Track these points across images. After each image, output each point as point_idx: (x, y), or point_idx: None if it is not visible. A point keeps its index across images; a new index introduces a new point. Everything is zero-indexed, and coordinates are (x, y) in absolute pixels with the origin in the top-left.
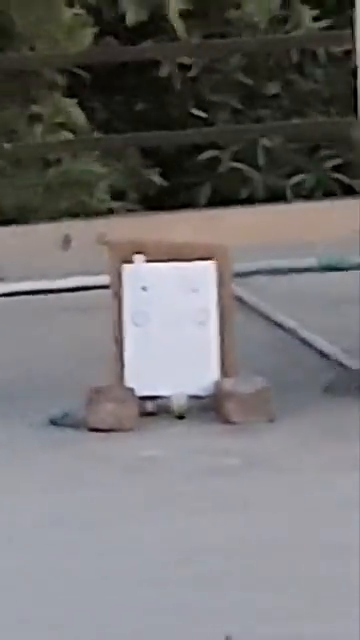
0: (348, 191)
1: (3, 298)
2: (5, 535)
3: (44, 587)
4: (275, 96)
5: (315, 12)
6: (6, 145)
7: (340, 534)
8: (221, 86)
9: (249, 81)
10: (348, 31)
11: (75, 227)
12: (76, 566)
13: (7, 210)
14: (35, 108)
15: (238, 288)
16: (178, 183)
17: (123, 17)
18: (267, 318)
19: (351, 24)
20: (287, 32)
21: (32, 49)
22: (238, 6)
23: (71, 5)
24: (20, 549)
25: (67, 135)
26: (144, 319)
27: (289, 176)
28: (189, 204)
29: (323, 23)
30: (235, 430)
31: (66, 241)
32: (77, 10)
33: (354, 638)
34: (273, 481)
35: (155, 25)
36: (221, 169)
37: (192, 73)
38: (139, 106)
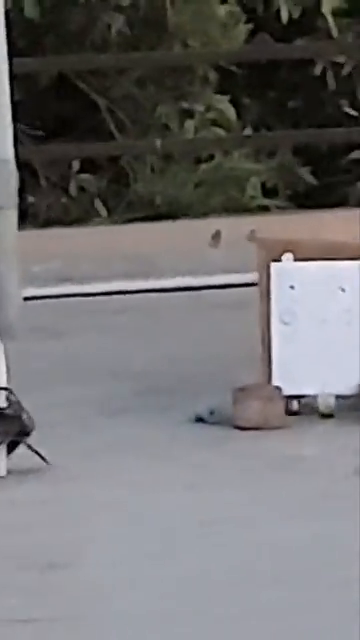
0: None
1: (153, 294)
2: (154, 535)
3: (197, 584)
4: None
5: None
6: (157, 141)
7: None
8: None
9: None
10: None
11: (225, 224)
12: (229, 565)
13: (158, 206)
14: (187, 104)
15: None
16: (329, 182)
17: (277, 14)
18: None
19: None
20: None
21: (185, 46)
22: None
23: (225, 2)
24: (170, 549)
25: (219, 132)
26: (292, 317)
27: None
28: (340, 203)
29: None
30: None
31: (216, 237)
32: (231, 7)
33: None
34: None
35: (309, 22)
36: None
37: (345, 71)
38: (291, 104)
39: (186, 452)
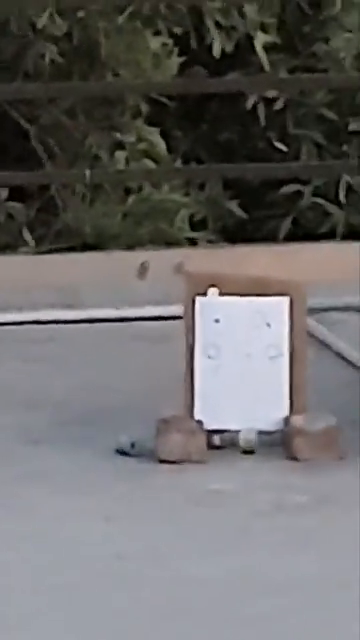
0: None
1: (78, 324)
2: (71, 565)
3: (109, 617)
4: (359, 133)
5: None
6: (87, 171)
7: None
8: (305, 120)
9: (333, 116)
10: None
11: (153, 256)
12: (140, 598)
13: (85, 236)
14: (118, 135)
15: (312, 324)
16: (258, 216)
17: (210, 48)
18: (340, 355)
19: None
20: None
21: (116, 75)
22: (326, 40)
23: (158, 34)
24: (86, 580)
25: (149, 163)
26: (216, 352)
27: None
28: (268, 237)
29: None
30: (303, 467)
31: (143, 269)
32: (164, 39)
33: None
34: (342, 518)
35: (242, 57)
36: (302, 204)
37: (277, 106)
38: (222, 137)
39: (106, 484)
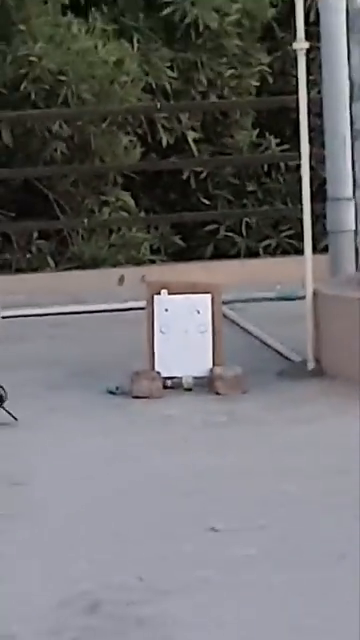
0: (297, 251)
1: (82, 315)
2: (81, 461)
3: (113, 498)
4: (253, 192)
5: (278, 140)
6: (85, 220)
7: (293, 458)
8: (219, 185)
9: (237, 182)
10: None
11: (127, 271)
12: (118, 486)
13: (86, 260)
14: (104, 197)
15: (226, 310)
16: (192, 244)
17: (160, 141)
18: (243, 329)
19: (298, 149)
20: (261, 152)
21: (102, 161)
22: (231, 136)
23: (127, 134)
24: (90, 473)
25: (124, 214)
26: (166, 329)
27: (261, 241)
28: (198, 258)
29: (284, 147)
30: (221, 399)
31: (121, 280)
32: (131, 137)
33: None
34: (247, 429)
35: (180, 146)
36: (219, 236)
37: (202, 176)
38: (169, 197)
39: (101, 412)
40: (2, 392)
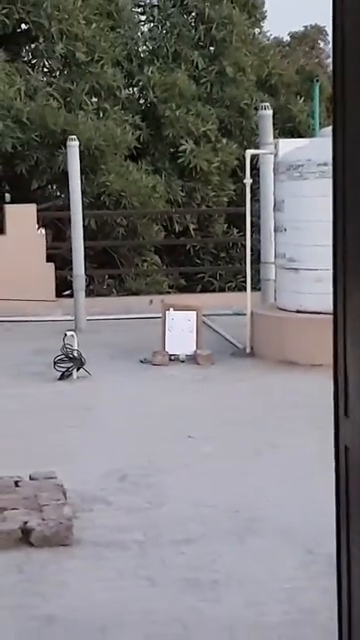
0: (244, 289)
1: (130, 319)
2: (122, 399)
3: (130, 417)
4: (223, 257)
5: (237, 230)
6: (133, 269)
7: (237, 399)
8: (206, 253)
9: (215, 252)
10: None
11: (155, 297)
12: (144, 407)
13: (133, 290)
14: (143, 257)
15: (205, 320)
16: (189, 284)
17: (174, 229)
18: (214, 330)
19: (246, 236)
20: (228, 236)
21: (143, 238)
22: (213, 227)
23: (157, 224)
24: (125, 406)
25: (154, 267)
26: (172, 329)
27: (226, 283)
28: (192, 291)
29: (240, 234)
30: (201, 367)
31: (151, 302)
32: (159, 226)
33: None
34: (215, 384)
35: (185, 232)
36: (204, 280)
37: (196, 248)
38: (179, 259)
39: (136, 372)
40: (83, 359)
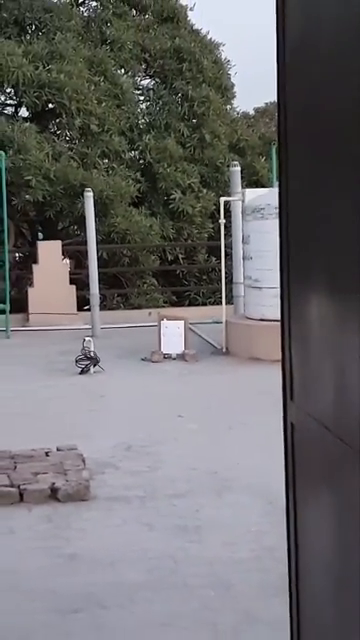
0: (220, 303)
1: (134, 327)
2: (127, 388)
3: (136, 400)
4: (205, 279)
5: (215, 258)
6: (136, 289)
7: (216, 388)
8: (192, 276)
9: (199, 275)
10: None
11: (152, 310)
12: (144, 394)
13: (135, 305)
14: (144, 280)
15: (191, 327)
16: (179, 300)
17: (167, 258)
18: (198, 335)
19: (221, 262)
20: (209, 263)
21: (143, 265)
22: (197, 257)
23: (153, 255)
24: (130, 393)
25: (152, 287)
26: (165, 334)
27: (207, 299)
28: (181, 305)
29: (218, 261)
30: (189, 363)
31: (150, 314)
32: (154, 256)
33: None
34: (199, 376)
35: (176, 260)
36: (190, 297)
37: (184, 272)
38: (171, 280)
39: (138, 368)
40: (98, 358)
